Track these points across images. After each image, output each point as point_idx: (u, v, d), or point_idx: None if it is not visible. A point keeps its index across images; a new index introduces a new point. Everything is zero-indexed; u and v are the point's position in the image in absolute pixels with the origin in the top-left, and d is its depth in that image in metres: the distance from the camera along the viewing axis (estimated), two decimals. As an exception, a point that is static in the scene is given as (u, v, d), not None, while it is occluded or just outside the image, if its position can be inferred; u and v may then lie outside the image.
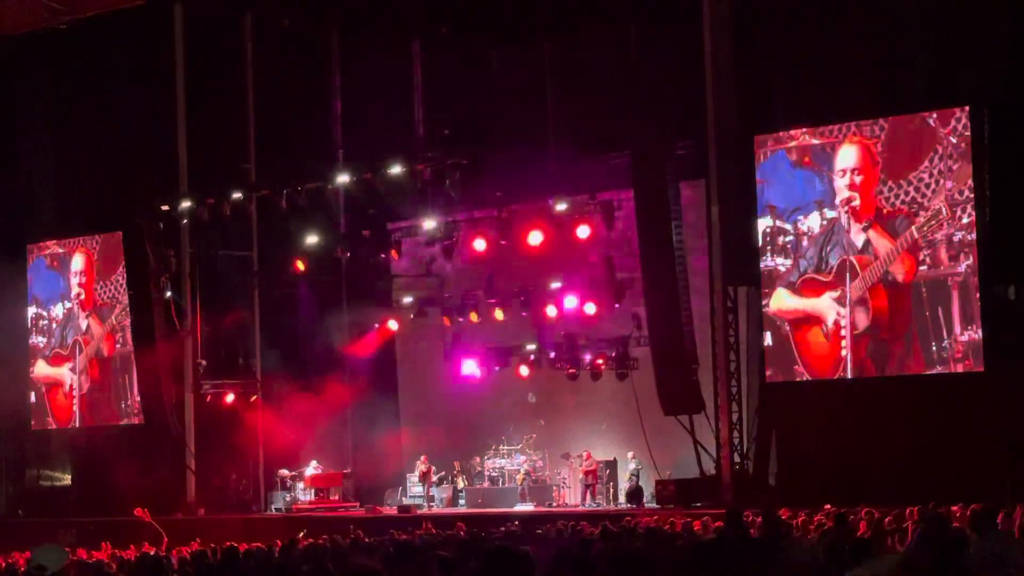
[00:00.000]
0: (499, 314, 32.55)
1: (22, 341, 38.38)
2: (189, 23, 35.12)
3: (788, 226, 27.84)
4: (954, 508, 17.39)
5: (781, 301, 27.83)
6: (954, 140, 25.85)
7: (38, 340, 38.29)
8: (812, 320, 27.43)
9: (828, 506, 20.44)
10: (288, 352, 34.53)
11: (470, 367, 33.34)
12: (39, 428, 38.22)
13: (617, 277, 31.05)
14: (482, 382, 33.36)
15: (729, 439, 28.54)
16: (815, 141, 27.56)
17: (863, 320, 26.83)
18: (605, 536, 16.32)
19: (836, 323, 27.09)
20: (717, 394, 28.80)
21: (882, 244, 26.62)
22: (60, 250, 37.80)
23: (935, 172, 26.03)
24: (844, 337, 27.03)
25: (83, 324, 37.16)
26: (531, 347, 32.19)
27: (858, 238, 26.92)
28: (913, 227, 26.16)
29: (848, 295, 26.96)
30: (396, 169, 30.54)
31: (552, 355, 31.84)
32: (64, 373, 37.56)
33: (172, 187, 34.39)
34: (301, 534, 24.64)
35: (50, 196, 38.90)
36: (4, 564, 19.49)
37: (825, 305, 27.23)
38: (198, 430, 34.61)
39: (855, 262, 26.89)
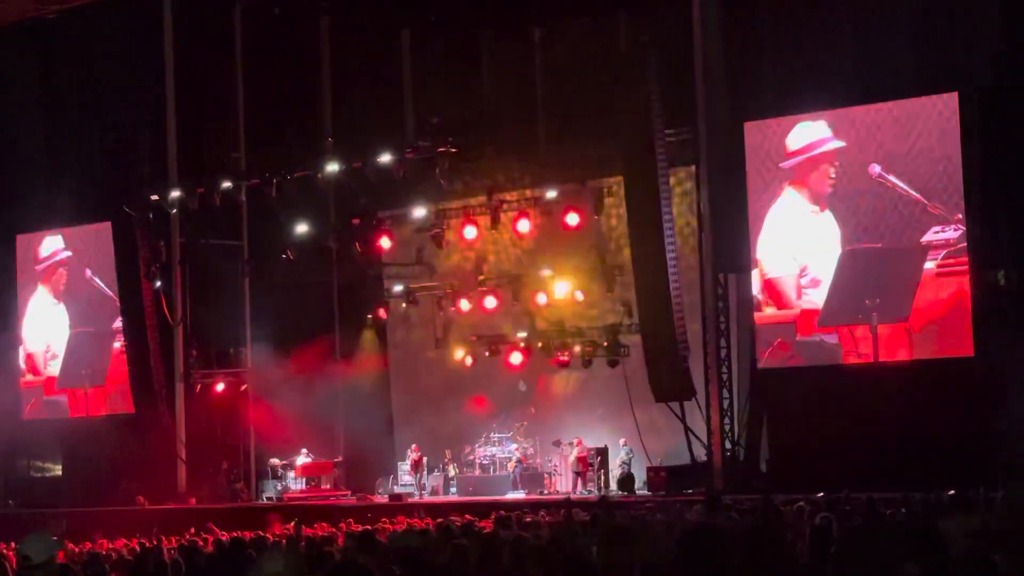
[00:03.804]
0: (490, 302, 32.54)
1: (12, 332, 38.34)
2: (178, 12, 35.04)
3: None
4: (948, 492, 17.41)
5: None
6: (944, 126, 25.87)
7: (28, 332, 38.24)
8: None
9: (821, 494, 20.44)
10: (278, 341, 34.45)
11: (460, 355, 33.32)
12: (30, 418, 38.18)
13: (607, 264, 31.05)
14: (472, 370, 33.34)
15: (720, 426, 28.56)
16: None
17: (858, 302, 26.98)
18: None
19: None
20: (708, 381, 28.82)
21: (871, 234, 26.73)
22: (50, 240, 37.75)
23: (925, 158, 26.06)
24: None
25: (73, 314, 37.12)
26: (522, 335, 32.18)
27: (848, 225, 27.03)
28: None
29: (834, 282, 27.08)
30: (386, 157, 30.50)
31: (542, 343, 31.81)
32: (55, 367, 37.59)
33: (162, 177, 34.33)
34: (293, 523, 24.63)
35: (40, 186, 38.79)
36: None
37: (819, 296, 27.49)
38: (189, 420, 34.58)
39: (847, 251, 27.04)
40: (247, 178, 32.79)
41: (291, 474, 33.88)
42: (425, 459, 32.94)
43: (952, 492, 17.54)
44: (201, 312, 34.80)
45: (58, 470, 38.81)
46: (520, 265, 32.77)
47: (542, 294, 31.74)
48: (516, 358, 32.35)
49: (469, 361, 33.15)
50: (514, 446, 32.20)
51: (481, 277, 33.03)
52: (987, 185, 25.60)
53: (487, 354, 32.75)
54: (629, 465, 29.96)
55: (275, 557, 9.46)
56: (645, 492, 28.67)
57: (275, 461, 34.22)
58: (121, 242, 34.99)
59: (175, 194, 33.00)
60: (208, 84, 35.32)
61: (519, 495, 30.41)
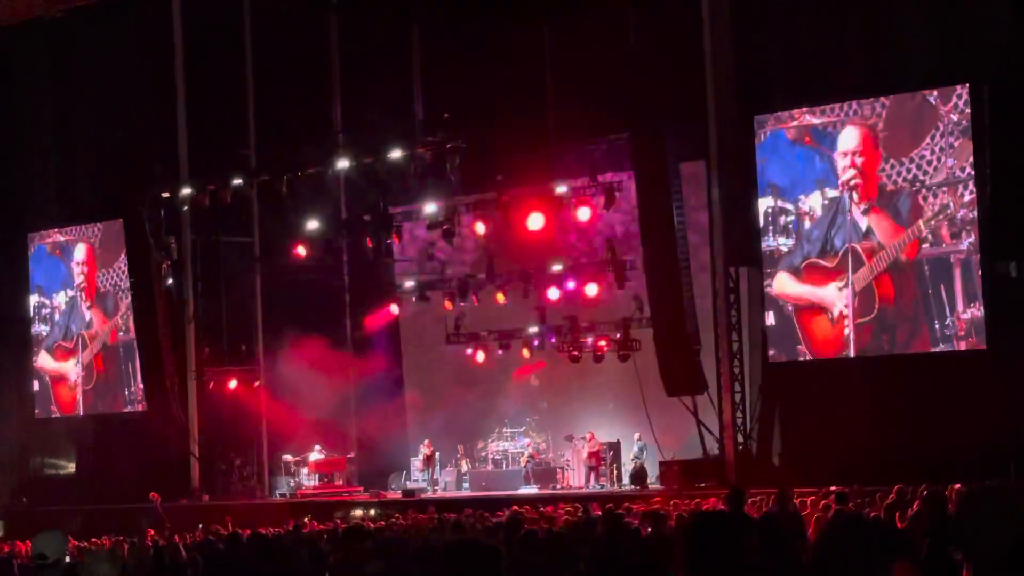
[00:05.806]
0: (501, 297, 32.53)
1: (24, 330, 38.44)
2: (188, 8, 35.09)
3: (789, 206, 27.85)
4: (956, 486, 17.36)
5: (784, 286, 27.83)
6: (955, 118, 25.83)
7: (41, 329, 38.32)
8: (817, 308, 27.41)
9: (834, 487, 20.43)
10: (290, 337, 34.47)
11: (472, 350, 33.32)
12: (43, 416, 38.26)
13: (618, 259, 31.04)
14: (484, 365, 33.35)
15: (732, 419, 28.54)
16: (815, 120, 27.54)
17: (869, 309, 26.79)
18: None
19: (842, 313, 27.08)
20: (720, 374, 28.80)
21: (884, 230, 26.59)
22: (62, 238, 37.82)
23: (936, 150, 26.02)
24: (848, 319, 27.02)
25: (86, 313, 37.19)
26: (533, 330, 32.18)
27: (861, 221, 26.89)
28: (920, 221, 26.11)
29: (852, 285, 26.91)
30: (396, 153, 30.50)
31: (554, 338, 31.81)
32: (69, 368, 37.61)
33: (172, 174, 34.37)
34: (307, 518, 24.74)
35: (51, 185, 38.89)
36: (6, 550, 19.52)
37: (831, 295, 27.20)
38: (201, 417, 34.63)
39: (860, 250, 26.85)
40: (258, 175, 32.78)
41: (304, 470, 33.91)
42: (437, 454, 32.96)
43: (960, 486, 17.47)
44: (213, 309, 34.85)
45: (71, 468, 38.87)
46: (531, 260, 32.70)
47: (553, 289, 31.71)
48: (527, 353, 32.40)
49: (481, 356, 33.16)
50: (526, 441, 32.23)
51: (492, 272, 32.99)
52: (998, 177, 25.53)
53: (499, 350, 32.78)
54: (642, 459, 29.95)
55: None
56: (658, 486, 28.67)
57: (288, 457, 34.24)
58: (132, 240, 35.05)
59: (186, 191, 33.02)
60: (218, 81, 35.33)
61: (531, 490, 30.43)
